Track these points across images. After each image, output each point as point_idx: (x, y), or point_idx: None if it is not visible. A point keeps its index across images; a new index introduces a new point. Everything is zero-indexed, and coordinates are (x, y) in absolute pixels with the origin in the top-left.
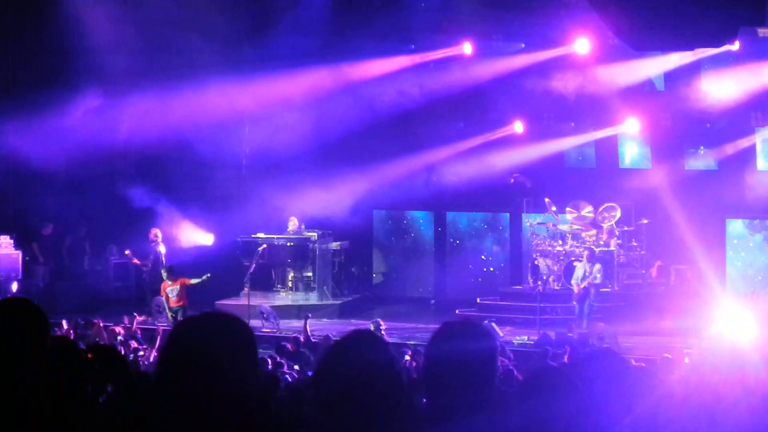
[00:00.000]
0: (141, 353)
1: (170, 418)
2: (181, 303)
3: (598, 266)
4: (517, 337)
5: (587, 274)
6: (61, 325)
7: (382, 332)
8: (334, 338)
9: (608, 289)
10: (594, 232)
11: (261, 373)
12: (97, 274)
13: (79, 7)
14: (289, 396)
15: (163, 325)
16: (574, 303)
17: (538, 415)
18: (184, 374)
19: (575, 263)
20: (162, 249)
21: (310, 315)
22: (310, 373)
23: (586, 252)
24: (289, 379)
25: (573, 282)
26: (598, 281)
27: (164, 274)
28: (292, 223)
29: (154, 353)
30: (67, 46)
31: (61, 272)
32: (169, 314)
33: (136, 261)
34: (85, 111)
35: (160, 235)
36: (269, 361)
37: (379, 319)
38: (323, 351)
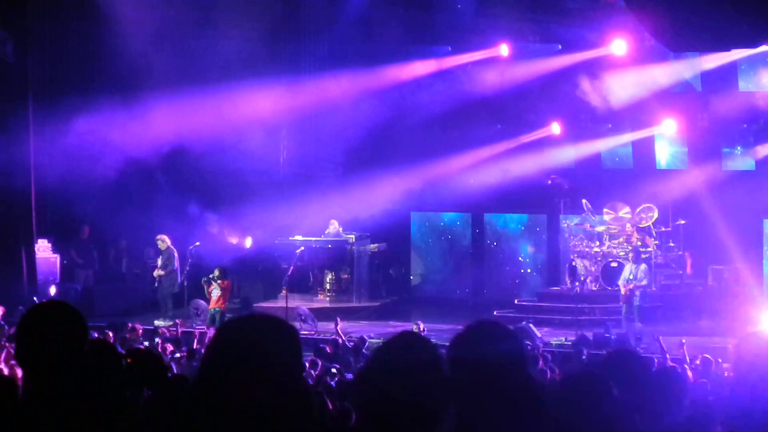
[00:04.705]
0: (178, 355)
1: (211, 421)
2: (219, 305)
3: (643, 267)
4: (555, 339)
5: (631, 275)
6: (100, 328)
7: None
8: (370, 339)
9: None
10: (633, 232)
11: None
12: (136, 277)
13: (116, 14)
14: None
15: (200, 327)
16: (622, 304)
17: (571, 424)
18: (228, 377)
19: (612, 264)
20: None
21: (338, 318)
22: (349, 376)
23: (631, 254)
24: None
25: (620, 283)
26: (643, 283)
27: (217, 273)
28: (332, 226)
29: (184, 354)
30: (105, 52)
31: (100, 275)
32: (207, 315)
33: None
34: (120, 116)
35: (167, 240)
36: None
37: (419, 322)
38: (370, 352)
